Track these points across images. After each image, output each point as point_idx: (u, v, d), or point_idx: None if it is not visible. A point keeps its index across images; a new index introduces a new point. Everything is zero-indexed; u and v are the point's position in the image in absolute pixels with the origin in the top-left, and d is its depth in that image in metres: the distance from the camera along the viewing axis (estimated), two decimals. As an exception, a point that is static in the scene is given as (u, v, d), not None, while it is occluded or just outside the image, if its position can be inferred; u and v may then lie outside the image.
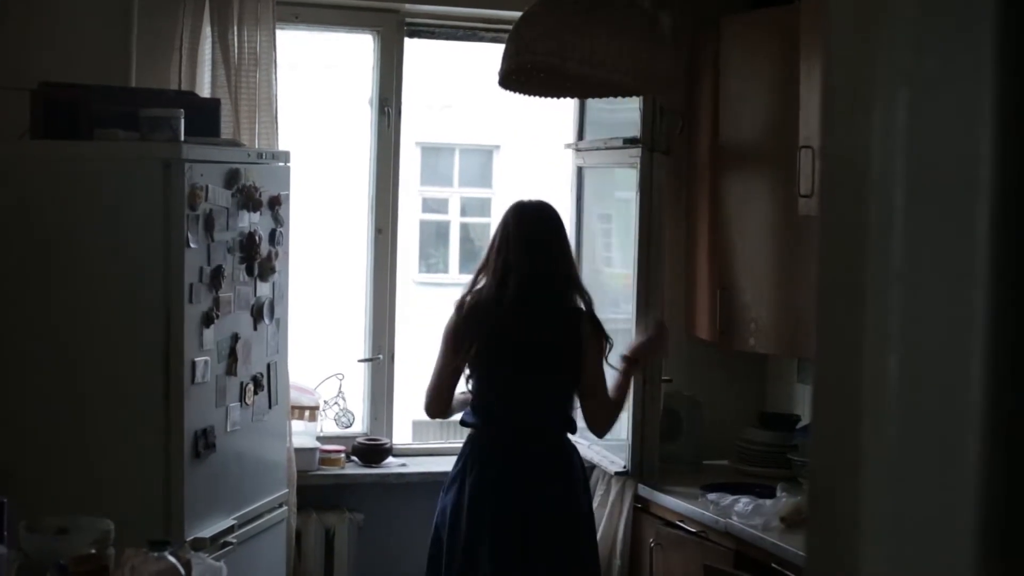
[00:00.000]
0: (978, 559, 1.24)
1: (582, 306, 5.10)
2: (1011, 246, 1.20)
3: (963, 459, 1.24)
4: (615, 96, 5.38)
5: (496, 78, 5.00)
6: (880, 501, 1.29)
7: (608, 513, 5.76)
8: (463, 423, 5.16)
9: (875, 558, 1.29)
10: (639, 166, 5.70)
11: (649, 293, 5.72)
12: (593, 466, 5.94)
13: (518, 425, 5.06)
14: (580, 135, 6.45)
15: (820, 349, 1.40)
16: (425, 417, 5.58)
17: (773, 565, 4.77)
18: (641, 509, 5.70)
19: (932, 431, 1.27)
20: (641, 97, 5.61)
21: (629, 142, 5.82)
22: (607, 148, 6.11)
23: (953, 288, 1.24)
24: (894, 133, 1.27)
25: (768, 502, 5.07)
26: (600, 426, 5.20)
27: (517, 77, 5.02)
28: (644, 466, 5.74)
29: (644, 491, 5.68)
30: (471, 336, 5.03)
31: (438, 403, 5.19)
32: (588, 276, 6.40)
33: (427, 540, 5.54)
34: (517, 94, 5.16)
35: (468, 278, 5.23)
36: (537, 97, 5.20)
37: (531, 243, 5.06)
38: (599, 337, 5.08)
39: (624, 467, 5.78)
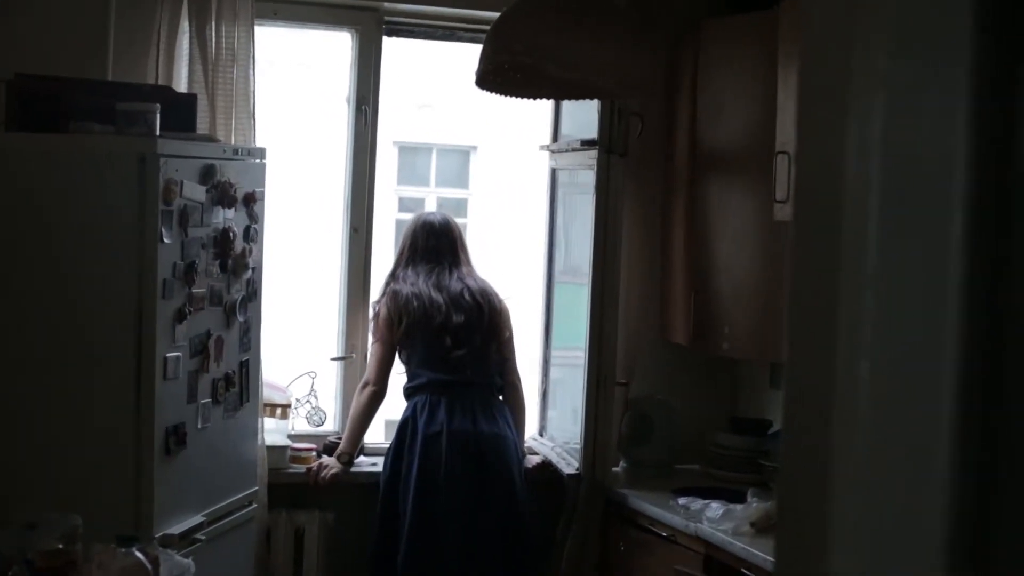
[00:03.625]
0: (947, 565, 1.23)
1: (491, 286, 5.93)
2: (984, 253, 1.20)
3: (933, 465, 1.24)
4: (592, 99, 5.38)
5: (473, 78, 5.00)
6: (849, 507, 1.29)
7: (578, 516, 5.75)
8: (408, 387, 5.81)
9: (844, 564, 1.29)
10: (595, 168, 5.70)
11: (605, 295, 5.72)
12: (562, 473, 5.94)
13: (458, 376, 5.72)
14: (555, 136, 6.45)
15: (792, 354, 1.39)
16: (397, 416, 5.67)
17: (743, 570, 4.78)
18: (611, 513, 5.70)
19: (902, 437, 1.27)
20: (573, 100, 5.61)
21: (587, 144, 5.83)
22: (571, 150, 6.11)
23: (926, 294, 1.24)
24: (869, 138, 1.27)
25: (739, 507, 5.08)
26: (516, 392, 5.95)
27: (494, 77, 5.02)
28: (598, 469, 5.74)
29: (614, 495, 5.68)
30: (402, 316, 5.72)
31: (380, 374, 5.81)
32: (557, 280, 6.42)
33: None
34: (494, 94, 5.16)
35: None
36: (514, 98, 5.19)
37: (438, 245, 5.86)
38: (506, 313, 5.92)
39: (577, 469, 5.78)
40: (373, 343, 5.89)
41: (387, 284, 5.88)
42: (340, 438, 5.99)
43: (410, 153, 15.33)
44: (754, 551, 4.72)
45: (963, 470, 1.23)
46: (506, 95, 5.16)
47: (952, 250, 1.21)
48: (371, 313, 5.93)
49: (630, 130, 5.71)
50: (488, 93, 5.14)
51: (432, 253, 5.85)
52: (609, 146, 5.68)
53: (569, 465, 5.85)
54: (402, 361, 5.84)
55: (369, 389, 5.81)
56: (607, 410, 5.76)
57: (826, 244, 1.32)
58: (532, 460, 6.03)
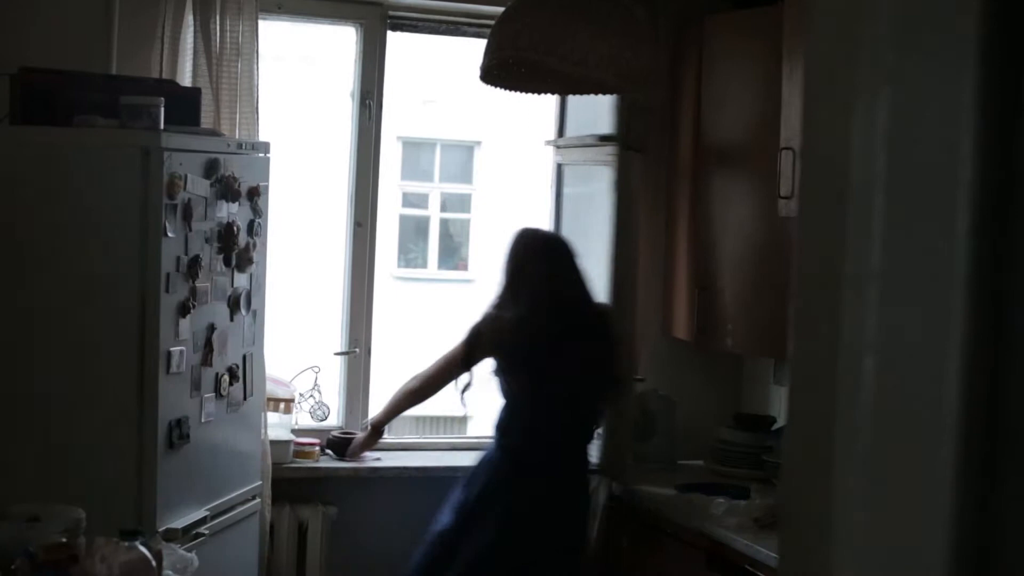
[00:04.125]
0: (950, 561, 1.23)
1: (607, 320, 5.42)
2: (990, 247, 1.20)
3: (937, 461, 1.24)
4: (596, 93, 5.38)
5: (478, 73, 5.00)
6: (852, 501, 1.29)
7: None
8: (500, 438, 5.30)
9: (846, 560, 1.29)
10: (614, 164, 5.69)
11: (622, 291, 5.71)
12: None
13: (563, 446, 5.32)
14: (560, 132, 6.44)
15: (796, 349, 1.39)
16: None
17: (746, 566, 4.77)
18: (615, 508, 5.69)
19: (906, 433, 1.26)
20: (617, 95, 5.60)
21: (604, 139, 5.82)
22: (584, 145, 6.10)
23: (930, 289, 1.23)
24: (875, 132, 1.27)
25: (742, 503, 5.08)
26: None
27: (498, 72, 5.02)
28: (616, 464, 5.74)
29: (618, 490, 5.67)
30: (487, 347, 5.27)
31: (430, 388, 5.57)
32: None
33: (401, 534, 5.56)
34: (498, 89, 5.15)
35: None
36: (518, 93, 5.19)
37: (558, 271, 5.32)
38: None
39: (596, 465, 5.78)
40: (456, 356, 5.45)
41: (502, 301, 5.34)
42: (344, 433, 6.01)
43: (414, 148, 15.34)
44: (757, 547, 4.72)
45: (966, 465, 1.22)
46: (510, 90, 5.16)
47: (958, 244, 1.21)
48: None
49: (646, 126, 5.72)
50: (492, 88, 5.13)
51: (549, 276, 5.31)
52: (627, 142, 5.68)
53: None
54: (500, 393, 5.37)
55: (414, 387, 5.67)
56: (626, 406, 5.76)
57: (831, 237, 1.32)
58: None
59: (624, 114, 5.68)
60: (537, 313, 5.23)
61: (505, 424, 5.31)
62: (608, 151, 5.75)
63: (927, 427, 1.25)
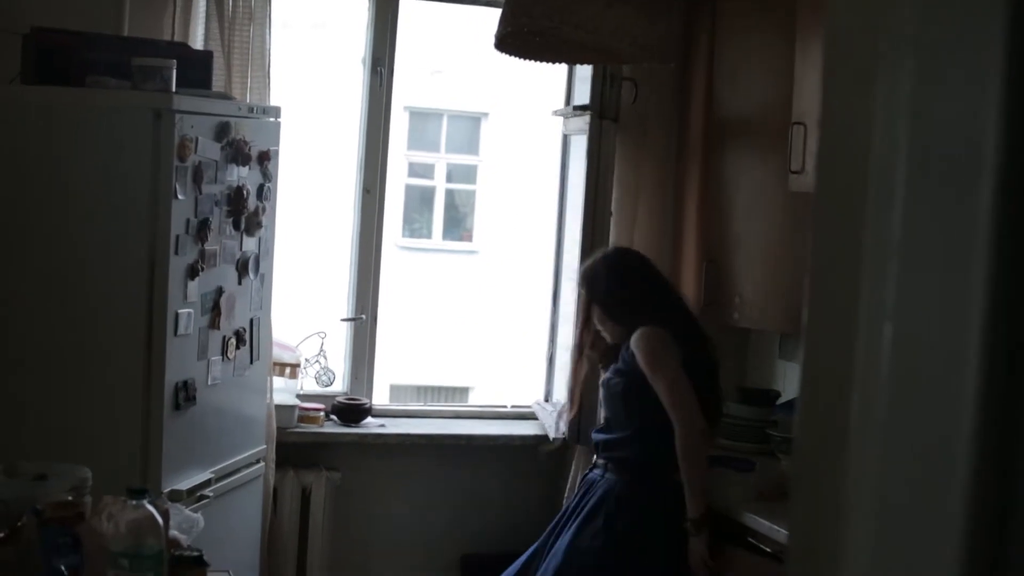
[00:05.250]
0: (967, 541, 1.23)
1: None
2: (1013, 222, 1.19)
3: (955, 438, 1.24)
4: (610, 63, 5.38)
5: (492, 41, 4.99)
6: (866, 479, 1.29)
7: (571, 480, 5.79)
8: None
9: (859, 537, 1.29)
10: (587, 132, 5.69)
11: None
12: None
13: None
14: (568, 102, 6.43)
15: (811, 321, 1.39)
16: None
17: (749, 539, 4.78)
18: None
19: (924, 408, 1.26)
20: (592, 64, 5.60)
21: (580, 109, 5.82)
22: (568, 115, 6.11)
23: (952, 263, 1.23)
24: (897, 104, 1.26)
25: (746, 476, 5.09)
26: None
27: (513, 40, 5.01)
28: (582, 434, 5.74)
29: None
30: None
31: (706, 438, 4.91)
32: (570, 246, 6.40)
33: (403, 501, 5.57)
34: (512, 57, 5.15)
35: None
36: (532, 61, 5.18)
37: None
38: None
39: (563, 433, 5.80)
40: (684, 376, 4.89)
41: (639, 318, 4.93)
42: (350, 399, 6.03)
43: (421, 118, 15.33)
44: (761, 519, 4.73)
45: (987, 442, 1.22)
46: (524, 58, 5.15)
47: (981, 218, 1.21)
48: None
49: (626, 95, 5.71)
50: (507, 56, 5.13)
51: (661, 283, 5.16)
52: (601, 111, 5.68)
53: (559, 430, 5.88)
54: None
55: (701, 448, 4.88)
56: (593, 375, 5.76)
57: (850, 210, 1.32)
58: None
59: (599, 83, 5.67)
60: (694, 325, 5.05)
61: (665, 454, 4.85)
62: (585, 120, 5.76)
63: (947, 400, 1.25)
